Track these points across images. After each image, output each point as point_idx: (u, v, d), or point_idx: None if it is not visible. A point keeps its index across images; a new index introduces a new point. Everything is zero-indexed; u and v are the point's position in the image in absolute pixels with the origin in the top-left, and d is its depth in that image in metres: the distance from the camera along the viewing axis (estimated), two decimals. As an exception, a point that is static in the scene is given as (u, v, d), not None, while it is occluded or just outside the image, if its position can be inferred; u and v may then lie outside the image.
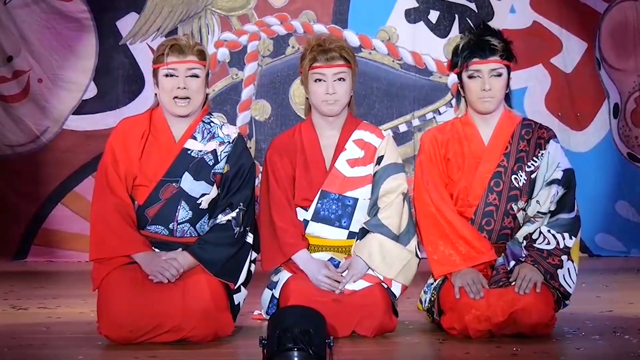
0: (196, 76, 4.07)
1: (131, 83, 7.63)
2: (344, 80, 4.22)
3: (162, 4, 7.64)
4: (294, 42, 7.68)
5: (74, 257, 7.37)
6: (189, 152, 4.09)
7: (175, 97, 4.06)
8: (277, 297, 4.16)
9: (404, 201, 4.23)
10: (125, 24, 7.65)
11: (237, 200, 4.08)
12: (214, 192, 4.09)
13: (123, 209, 4.02)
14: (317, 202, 4.22)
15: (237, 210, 4.07)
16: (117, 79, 7.65)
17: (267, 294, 4.25)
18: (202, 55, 4.10)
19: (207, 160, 4.10)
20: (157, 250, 4.05)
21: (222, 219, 4.06)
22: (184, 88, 4.05)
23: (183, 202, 4.06)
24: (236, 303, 4.09)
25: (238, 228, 4.05)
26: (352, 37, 7.59)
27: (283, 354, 3.21)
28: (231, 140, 4.15)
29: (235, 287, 4.05)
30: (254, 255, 4.17)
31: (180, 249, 4.03)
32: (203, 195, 4.08)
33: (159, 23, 7.64)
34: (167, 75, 4.06)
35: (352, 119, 4.35)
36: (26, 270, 7.10)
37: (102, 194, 4.06)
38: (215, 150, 4.11)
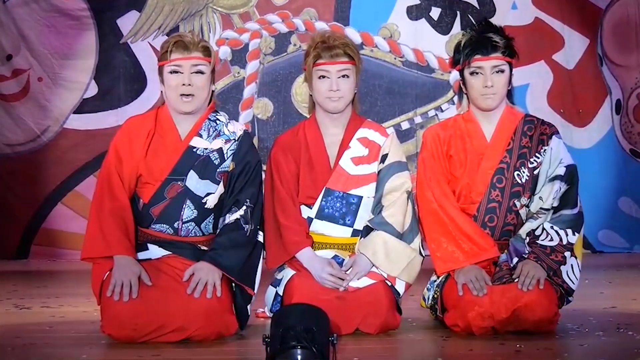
0: (201, 72, 4.05)
1: (133, 82, 7.62)
2: (347, 77, 4.21)
3: (162, 2, 7.64)
4: (296, 39, 7.68)
5: (75, 256, 7.33)
6: (194, 150, 4.08)
7: (182, 95, 4.04)
8: (281, 294, 4.16)
9: (408, 199, 4.22)
10: (126, 22, 7.65)
11: (244, 197, 4.07)
12: (219, 191, 4.08)
13: (118, 212, 4.00)
14: (322, 200, 4.21)
15: (244, 207, 4.06)
16: (119, 78, 7.64)
17: (270, 291, 4.25)
18: (206, 51, 4.08)
19: (213, 159, 4.08)
20: (161, 248, 4.05)
21: (230, 218, 4.06)
22: (189, 85, 4.03)
23: (188, 200, 4.05)
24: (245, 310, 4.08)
25: (248, 225, 4.05)
26: (353, 35, 7.58)
27: (286, 352, 3.20)
28: (237, 138, 4.14)
29: (254, 293, 4.05)
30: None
31: (189, 249, 4.04)
32: (208, 194, 4.07)
33: (160, 21, 7.64)
34: (172, 72, 4.05)
35: (356, 117, 4.34)
36: (29, 269, 7.11)
37: (102, 196, 4.05)
38: (221, 148, 4.10)
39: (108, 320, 3.87)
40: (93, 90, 7.64)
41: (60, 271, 6.97)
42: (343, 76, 4.20)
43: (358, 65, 4.25)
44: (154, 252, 4.05)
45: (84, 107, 7.64)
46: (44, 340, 4.01)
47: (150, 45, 7.60)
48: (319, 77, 4.21)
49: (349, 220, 4.22)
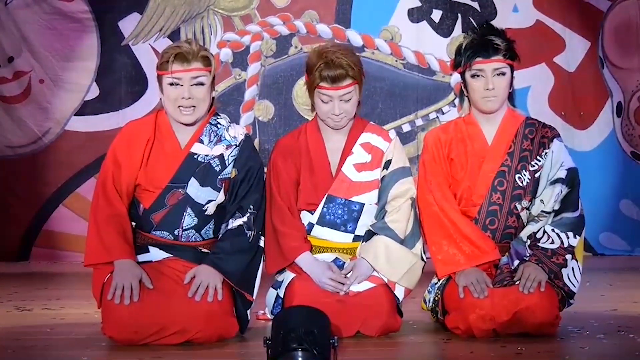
0: (201, 84, 4.00)
1: (134, 84, 7.61)
2: (350, 98, 4.16)
3: (164, 5, 7.64)
4: (297, 42, 7.67)
5: (76, 258, 7.34)
6: (195, 156, 4.06)
7: (180, 106, 4.00)
8: (282, 297, 4.16)
9: (412, 206, 4.21)
10: (127, 25, 7.65)
11: (247, 204, 4.06)
12: (220, 198, 4.07)
13: (115, 219, 3.99)
14: (323, 207, 4.20)
15: (248, 214, 4.05)
16: (120, 80, 7.63)
17: (271, 293, 4.24)
18: (206, 61, 4.01)
19: (214, 166, 4.06)
20: (162, 251, 4.04)
21: (233, 224, 4.04)
22: (189, 98, 3.98)
23: (189, 208, 4.04)
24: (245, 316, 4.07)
25: (251, 232, 4.04)
26: (354, 37, 7.58)
27: (287, 354, 3.20)
28: (238, 143, 4.11)
29: (253, 299, 4.04)
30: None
31: (190, 252, 4.04)
32: (209, 201, 4.05)
33: (161, 23, 7.64)
34: (171, 84, 3.99)
35: (358, 121, 4.30)
36: (29, 271, 7.10)
37: (98, 202, 4.04)
38: (222, 154, 4.08)
39: (109, 323, 3.86)
40: (94, 92, 7.64)
41: (61, 273, 6.97)
42: (346, 99, 4.16)
43: (361, 80, 4.19)
44: (155, 254, 4.05)
45: (85, 109, 7.63)
46: (44, 342, 4.01)
47: (152, 47, 7.59)
48: (321, 100, 4.17)
49: (350, 227, 4.21)
